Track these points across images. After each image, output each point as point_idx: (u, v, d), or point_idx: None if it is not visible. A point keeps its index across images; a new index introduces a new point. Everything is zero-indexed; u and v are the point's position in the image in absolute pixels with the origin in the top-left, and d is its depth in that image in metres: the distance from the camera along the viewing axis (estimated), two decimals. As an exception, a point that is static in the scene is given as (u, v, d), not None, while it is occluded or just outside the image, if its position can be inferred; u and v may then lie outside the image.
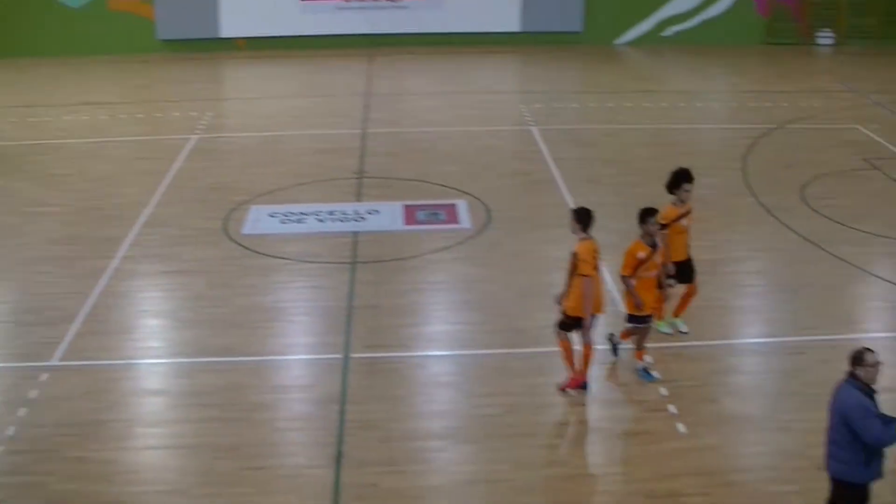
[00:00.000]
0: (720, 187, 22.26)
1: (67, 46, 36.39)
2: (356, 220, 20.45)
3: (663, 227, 15.29)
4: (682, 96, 30.97)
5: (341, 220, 20.52)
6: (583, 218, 14.28)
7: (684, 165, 15.80)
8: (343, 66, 34.29)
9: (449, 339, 16.20)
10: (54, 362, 15.68)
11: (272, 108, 29.27)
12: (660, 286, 15.17)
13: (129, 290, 18.20)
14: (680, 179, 15.59)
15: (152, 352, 16.12)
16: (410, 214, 20.68)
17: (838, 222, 20.52)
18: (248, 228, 20.26)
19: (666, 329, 16.21)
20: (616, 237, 19.28)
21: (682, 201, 15.66)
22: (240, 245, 19.59)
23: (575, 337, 14.51)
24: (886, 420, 10.16)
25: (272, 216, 20.80)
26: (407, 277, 18.15)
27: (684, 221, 15.71)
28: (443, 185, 22.29)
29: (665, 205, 15.57)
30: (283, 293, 17.82)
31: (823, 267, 18.71)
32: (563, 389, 14.55)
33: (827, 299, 17.50)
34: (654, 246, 14.61)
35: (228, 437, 13.63)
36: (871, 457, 10.34)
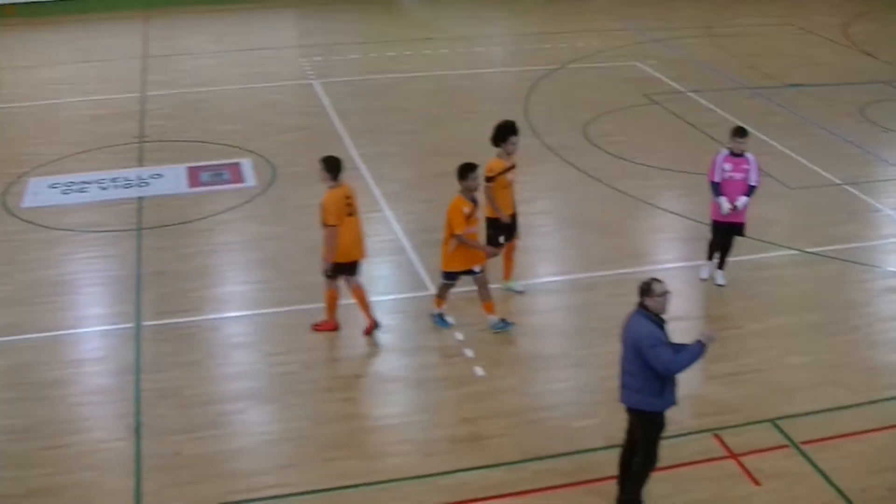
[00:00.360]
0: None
1: None
2: (140, 186, 20.15)
3: (489, 179, 15.27)
4: (461, 42, 31.32)
5: (125, 187, 20.19)
6: (331, 167, 14.45)
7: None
8: (118, 29, 33.56)
9: (242, 300, 16.17)
10: None
11: (47, 75, 28.46)
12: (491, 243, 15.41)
13: None
14: (506, 132, 15.37)
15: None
16: (194, 176, 20.49)
17: (621, 158, 21.12)
18: (27, 201, 19.75)
19: (518, 287, 16.34)
20: (400, 186, 19.58)
21: (508, 154, 15.44)
22: (20, 219, 19.08)
23: (342, 284, 14.86)
24: (677, 348, 10.51)
25: (53, 187, 20.32)
26: (195, 240, 18.00)
27: (510, 175, 15.54)
28: (226, 145, 22.12)
29: (489, 159, 15.53)
30: (69, 265, 17.45)
31: (609, 203, 19.26)
32: (315, 328, 15.13)
33: (614, 234, 18.05)
34: (474, 201, 14.49)
35: (21, 417, 13.34)
36: (665, 385, 10.65)
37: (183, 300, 16.10)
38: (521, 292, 16.23)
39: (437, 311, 15.28)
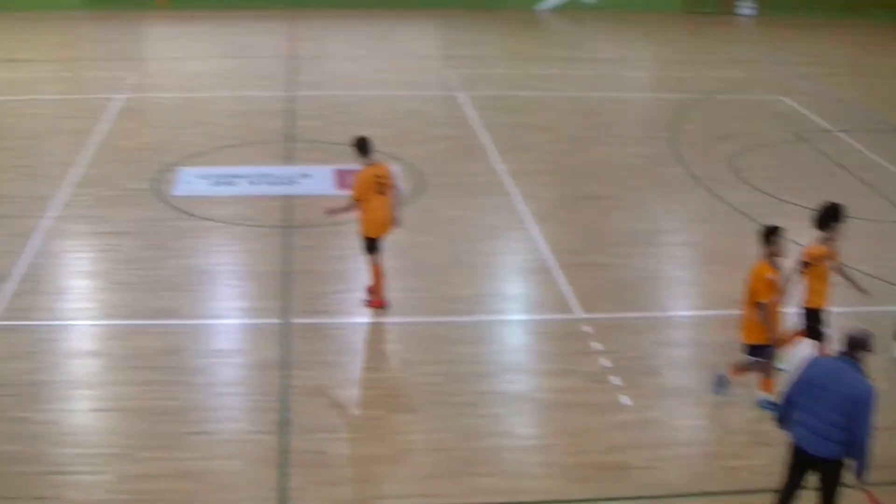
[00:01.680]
0: (649, 157, 22.60)
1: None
2: (288, 184, 20.44)
3: (806, 265, 13.86)
4: (605, 64, 31.30)
5: (273, 184, 20.51)
6: (359, 146, 15.46)
7: (833, 201, 14.16)
8: (265, 27, 34.11)
9: (387, 306, 16.28)
10: (-10, 321, 15.58)
11: (196, 68, 29.04)
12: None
13: (62, 250, 18.09)
14: (831, 217, 13.81)
15: (88, 313, 16.02)
16: (342, 179, 20.68)
17: (769, 194, 20.88)
18: (178, 190, 20.18)
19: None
20: (545, 205, 19.59)
21: (831, 240, 13.91)
22: (172, 207, 19.50)
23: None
24: None
25: (203, 178, 20.73)
26: (340, 242, 18.14)
27: (830, 263, 14.00)
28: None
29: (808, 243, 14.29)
30: (217, 256, 17.80)
31: (756, 240, 18.97)
32: (369, 304, 15.97)
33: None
34: (778, 268, 13.31)
35: (169, 400, 13.63)
36: None
37: (329, 301, 16.30)
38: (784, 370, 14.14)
39: (762, 395, 13.76)
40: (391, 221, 15.77)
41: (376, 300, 16.01)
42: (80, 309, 16.14)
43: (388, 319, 15.86)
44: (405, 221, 18.78)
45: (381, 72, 29.28)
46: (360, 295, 16.23)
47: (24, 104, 25.70)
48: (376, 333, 15.60)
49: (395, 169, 20.98)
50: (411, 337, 15.44)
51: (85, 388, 14.05)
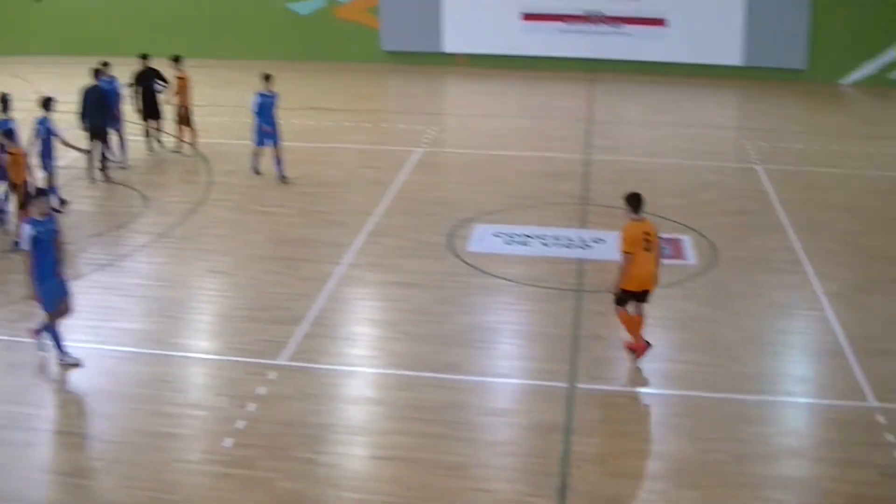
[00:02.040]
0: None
1: (296, 51, 37.32)
2: (581, 248, 20.35)
3: None
4: (913, 143, 30.12)
5: (566, 246, 20.45)
6: (632, 201, 15.78)
7: None
8: (563, 89, 34.28)
9: (674, 378, 15.90)
10: (282, 361, 16.01)
11: (494, 126, 29.41)
12: None
13: (354, 297, 18.49)
14: None
15: (374, 361, 16.29)
16: (635, 246, 20.45)
17: None
18: (472, 246, 20.37)
19: None
20: (842, 287, 18.87)
21: None
22: (464, 262, 19.69)
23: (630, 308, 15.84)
24: None
25: (496, 236, 20.87)
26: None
27: None
28: (667, 219, 21.98)
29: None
30: (507, 315, 17.83)
31: None
32: (629, 349, 16.17)
33: None
34: None
35: (450, 454, 13.63)
36: None
37: (616, 368, 16.06)
38: None
39: None
40: (655, 278, 15.92)
41: (640, 345, 15.97)
42: (367, 356, 16.43)
43: (673, 392, 15.50)
44: (696, 294, 18.52)
45: (678, 139, 28.97)
46: (634, 363, 15.99)
47: (326, 152, 26.56)
48: (661, 405, 15.25)
49: (686, 238, 20.78)
50: (696, 411, 14.99)
51: (367, 434, 14.25)
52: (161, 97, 26.26)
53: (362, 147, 27.13)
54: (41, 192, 15.95)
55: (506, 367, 16.14)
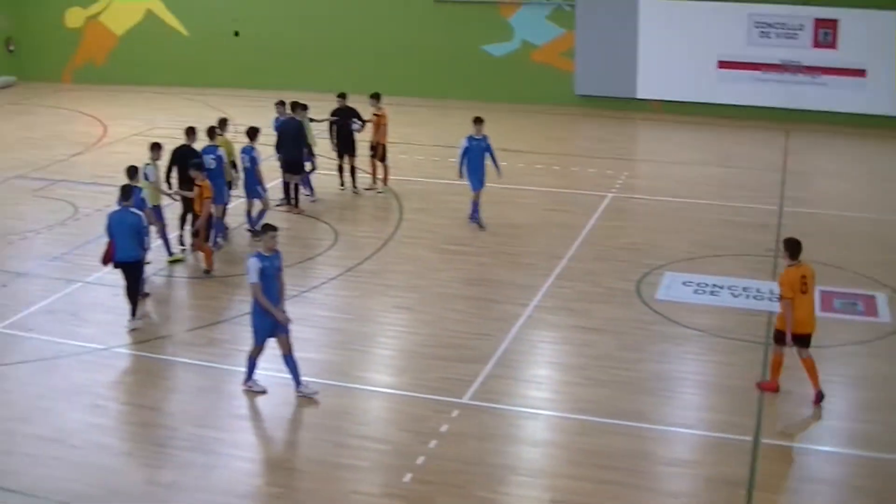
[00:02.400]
0: None
1: (490, 93, 37.56)
2: (771, 300, 19.85)
3: None
4: None
5: (756, 298, 20.05)
6: (789, 247, 16.33)
7: None
8: (758, 138, 33.65)
9: (859, 438, 15.34)
10: (465, 400, 16.11)
11: (686, 173, 29.09)
12: None
13: (539, 339, 18.49)
14: None
15: (557, 404, 16.24)
16: (827, 301, 19.92)
17: None
18: (661, 294, 20.16)
19: None
20: None
21: None
22: (652, 310, 19.49)
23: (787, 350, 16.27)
24: None
25: (685, 284, 20.60)
26: (820, 367, 17.42)
27: None
28: (862, 274, 21.39)
29: None
30: (693, 365, 17.59)
31: None
32: (758, 386, 16.62)
33: None
34: None
35: (617, 500, 13.54)
36: None
37: (802, 424, 15.76)
38: None
39: None
40: (812, 321, 16.21)
41: (772, 384, 16.53)
42: (549, 399, 16.42)
43: (859, 452, 14.99)
44: (886, 353, 18.00)
45: (875, 193, 28.14)
46: (830, 420, 15.61)
47: (516, 193, 26.63)
48: (846, 465, 14.79)
49: (880, 296, 20.19)
50: (883, 474, 14.48)
51: (545, 477, 14.31)
52: (356, 135, 26.55)
53: (552, 190, 27.14)
54: (269, 228, 16.16)
55: (690, 417, 15.92)
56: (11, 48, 43.28)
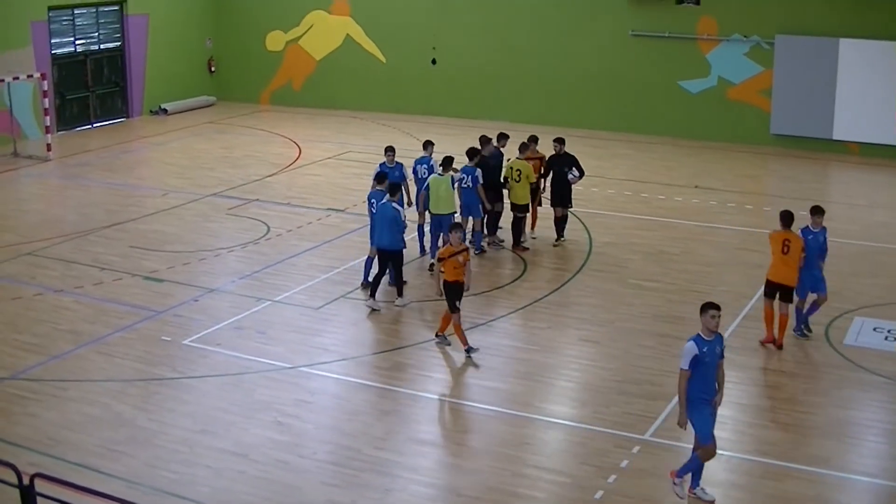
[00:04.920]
0: None
1: (684, 129, 37.48)
2: (965, 353, 19.53)
3: None
4: None
5: (935, 346, 19.72)
6: (783, 217, 19.64)
7: None
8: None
9: None
10: (647, 437, 16.22)
11: (882, 217, 28.55)
12: None
13: (725, 379, 18.34)
14: None
15: (740, 446, 16.20)
16: None
17: None
18: (849, 339, 19.91)
19: None
20: None
21: None
22: (840, 354, 19.27)
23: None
24: None
25: (876, 330, 20.30)
26: None
27: None
28: None
29: None
30: (880, 412, 17.32)
31: None
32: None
33: None
34: None
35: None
36: None
37: None
38: None
39: None
40: (793, 277, 19.44)
41: (768, 337, 19.71)
42: (732, 440, 16.29)
43: None
44: None
45: None
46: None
47: (706, 231, 26.56)
48: None
49: None
50: None
51: (720, 520, 14.23)
52: (573, 186, 25.40)
53: (743, 228, 26.91)
54: (710, 306, 14.41)
55: (874, 466, 15.75)
56: (213, 69, 44.83)
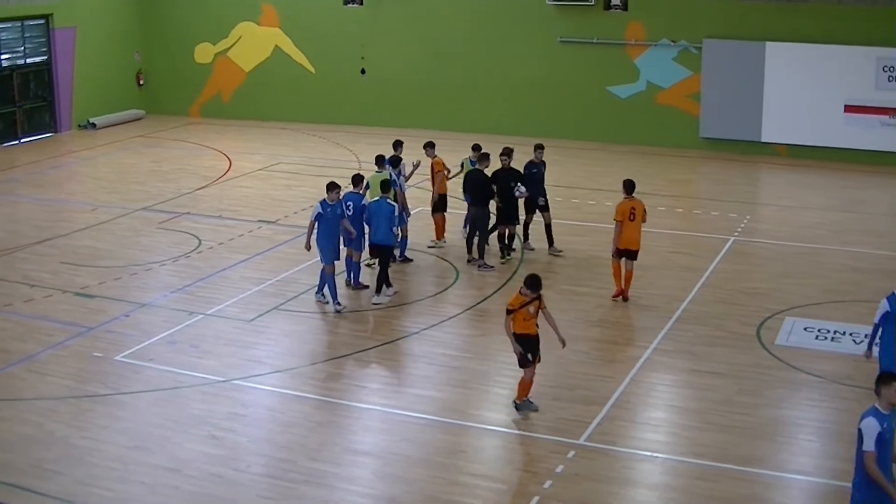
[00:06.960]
0: None
1: (614, 134, 37.75)
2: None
3: None
4: None
5: (878, 345, 19.78)
6: (626, 185, 22.14)
7: None
8: (884, 183, 33.25)
9: None
10: (582, 441, 16.29)
11: (810, 218, 28.88)
12: None
13: (658, 382, 18.58)
14: None
15: (675, 448, 16.28)
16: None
17: None
18: (782, 339, 20.10)
19: None
20: None
21: None
22: (772, 355, 19.45)
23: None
24: None
25: (807, 330, 20.52)
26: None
27: None
28: None
29: None
30: (813, 411, 17.51)
31: None
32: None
33: None
34: None
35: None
36: None
37: None
38: None
39: None
40: (636, 241, 21.89)
41: (617, 290, 22.24)
42: (667, 443, 16.47)
43: None
44: None
45: None
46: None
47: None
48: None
49: None
50: None
51: (663, 522, 14.29)
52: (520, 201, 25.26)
53: (675, 232, 27.14)
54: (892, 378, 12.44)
55: (808, 464, 15.90)
56: (142, 83, 44.50)
